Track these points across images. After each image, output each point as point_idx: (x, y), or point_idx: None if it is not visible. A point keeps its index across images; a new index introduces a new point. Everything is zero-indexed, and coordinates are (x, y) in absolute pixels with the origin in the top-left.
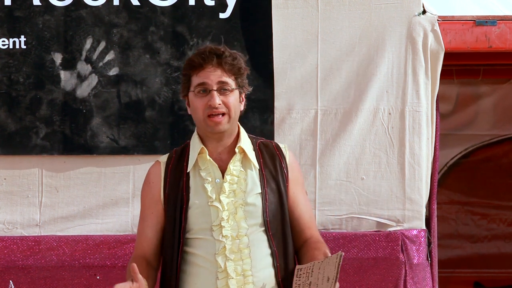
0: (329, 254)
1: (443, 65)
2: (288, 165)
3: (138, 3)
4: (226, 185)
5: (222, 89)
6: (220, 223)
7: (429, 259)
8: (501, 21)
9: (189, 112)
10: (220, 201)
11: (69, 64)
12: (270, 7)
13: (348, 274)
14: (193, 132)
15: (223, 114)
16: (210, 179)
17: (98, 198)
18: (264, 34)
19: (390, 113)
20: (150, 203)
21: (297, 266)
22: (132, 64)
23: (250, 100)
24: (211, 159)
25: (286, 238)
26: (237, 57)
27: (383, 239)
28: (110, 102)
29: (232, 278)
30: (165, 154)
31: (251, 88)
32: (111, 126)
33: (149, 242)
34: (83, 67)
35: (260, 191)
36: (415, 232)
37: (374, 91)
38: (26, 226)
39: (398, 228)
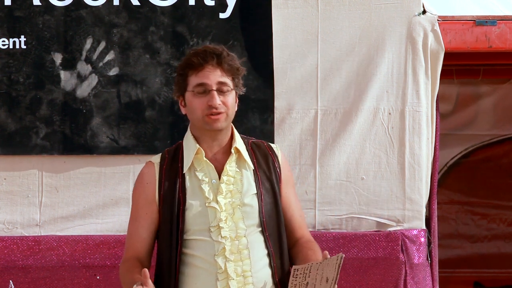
0: (329, 256)
1: (443, 65)
2: (280, 165)
3: (138, 3)
4: (223, 185)
5: (221, 89)
6: (218, 224)
7: (429, 259)
8: (501, 21)
9: (183, 111)
10: (217, 202)
11: (69, 64)
12: (270, 7)
13: (348, 274)
14: None
15: (220, 113)
16: (206, 179)
17: (98, 198)
18: (264, 34)
19: (390, 113)
20: (144, 204)
21: (294, 267)
22: (132, 64)
23: (250, 100)
24: (207, 160)
25: (282, 238)
26: (235, 57)
27: (383, 239)
28: (110, 102)
29: (233, 279)
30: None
31: (245, 89)
32: (111, 126)
33: (143, 243)
34: (83, 67)
35: (255, 192)
36: (415, 232)
37: (374, 91)
38: (26, 226)
39: (398, 228)
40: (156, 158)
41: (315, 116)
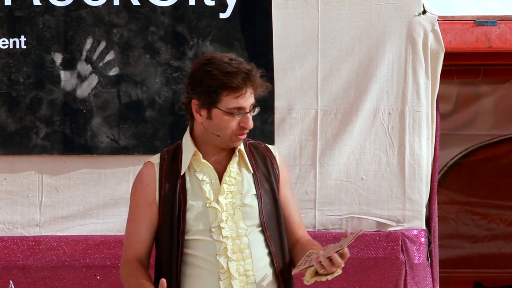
0: (349, 234)
1: (443, 65)
2: (278, 166)
3: (138, 3)
4: (224, 186)
5: (251, 109)
6: (219, 224)
7: (429, 259)
8: (501, 21)
9: (199, 120)
10: (218, 202)
11: (69, 64)
12: (270, 7)
13: (348, 274)
14: None
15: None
16: (207, 180)
17: (98, 198)
18: (264, 34)
19: (390, 113)
20: (144, 205)
21: (310, 251)
22: (132, 64)
23: None
24: (205, 161)
25: (283, 238)
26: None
27: (383, 239)
28: (110, 102)
29: (236, 279)
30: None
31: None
32: (111, 126)
33: (143, 244)
34: (83, 67)
35: (255, 193)
36: (415, 232)
37: (374, 91)
38: (26, 226)
39: (398, 228)
40: (155, 159)
41: (315, 116)
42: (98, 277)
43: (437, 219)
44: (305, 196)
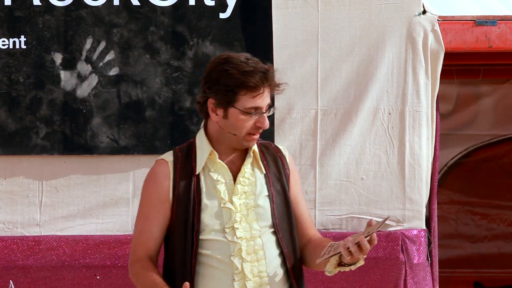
0: (374, 223)
1: (443, 65)
2: (289, 166)
3: (138, 3)
4: (239, 186)
5: (267, 109)
6: (233, 225)
7: (429, 259)
8: (501, 21)
9: (214, 119)
10: (232, 203)
11: (69, 64)
12: (270, 7)
13: (348, 274)
14: (193, 132)
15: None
16: (222, 180)
17: (98, 198)
18: (264, 34)
19: (390, 113)
20: (156, 203)
21: (332, 242)
22: (132, 64)
23: None
24: (221, 161)
25: (294, 238)
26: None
27: (383, 239)
28: (110, 102)
29: (250, 280)
30: (165, 154)
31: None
32: (111, 126)
33: (154, 242)
34: (83, 67)
35: (267, 194)
36: (415, 232)
37: (374, 91)
38: (26, 226)
39: (398, 228)
40: (168, 156)
41: (315, 116)
42: (98, 277)
43: (437, 219)
44: (305, 196)
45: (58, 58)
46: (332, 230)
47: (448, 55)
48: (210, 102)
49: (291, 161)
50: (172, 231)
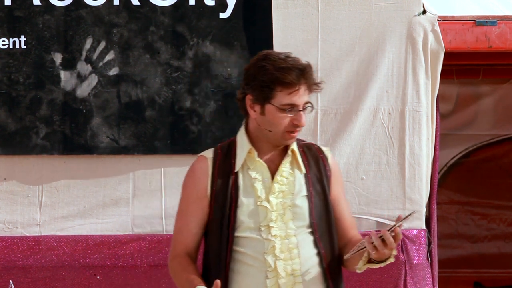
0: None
1: (443, 65)
2: (330, 167)
3: (138, 3)
4: (276, 185)
5: (305, 107)
6: (268, 224)
7: (429, 259)
8: (501, 21)
9: (252, 115)
10: (269, 201)
11: (69, 64)
12: (270, 7)
13: (348, 274)
14: (193, 132)
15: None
16: (259, 178)
17: (98, 198)
18: (264, 34)
19: (390, 113)
20: (195, 199)
21: (362, 241)
22: (132, 64)
23: None
24: (260, 159)
25: (333, 240)
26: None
27: None
28: (110, 102)
29: (282, 278)
30: (164, 154)
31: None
32: (111, 126)
33: (194, 238)
34: (83, 67)
35: (306, 194)
36: (415, 232)
37: (374, 91)
38: (26, 226)
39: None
40: (208, 153)
41: (315, 116)
42: (98, 277)
43: (436, 219)
44: None
45: (58, 58)
46: None
47: (448, 55)
48: (248, 98)
49: (333, 162)
50: (210, 228)
